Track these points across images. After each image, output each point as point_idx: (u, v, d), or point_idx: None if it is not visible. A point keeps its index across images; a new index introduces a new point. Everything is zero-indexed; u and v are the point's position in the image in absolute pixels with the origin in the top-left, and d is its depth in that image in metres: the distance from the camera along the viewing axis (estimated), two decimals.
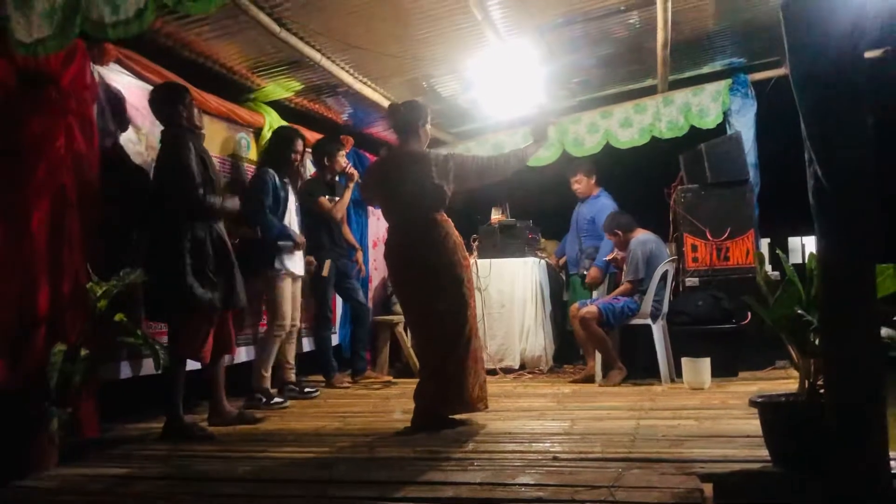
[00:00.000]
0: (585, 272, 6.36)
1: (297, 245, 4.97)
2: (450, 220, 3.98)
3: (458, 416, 3.91)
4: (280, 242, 4.87)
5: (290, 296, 4.99)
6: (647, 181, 6.67)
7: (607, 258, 5.99)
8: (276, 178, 4.94)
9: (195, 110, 4.11)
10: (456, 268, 3.88)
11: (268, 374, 4.86)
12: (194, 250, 3.86)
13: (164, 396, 3.90)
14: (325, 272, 5.48)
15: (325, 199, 5.50)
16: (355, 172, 5.76)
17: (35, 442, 3.13)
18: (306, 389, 5.13)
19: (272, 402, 4.78)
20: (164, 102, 4.03)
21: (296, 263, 5.05)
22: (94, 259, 3.66)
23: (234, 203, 4.20)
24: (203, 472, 3.06)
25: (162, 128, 4.06)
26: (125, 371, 4.08)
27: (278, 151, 5.10)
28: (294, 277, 5.06)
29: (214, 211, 3.99)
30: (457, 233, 3.98)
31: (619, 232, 5.62)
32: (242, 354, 5.08)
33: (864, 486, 2.20)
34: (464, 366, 3.82)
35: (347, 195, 5.66)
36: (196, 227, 3.90)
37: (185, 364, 3.94)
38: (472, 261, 6.19)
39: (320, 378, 5.77)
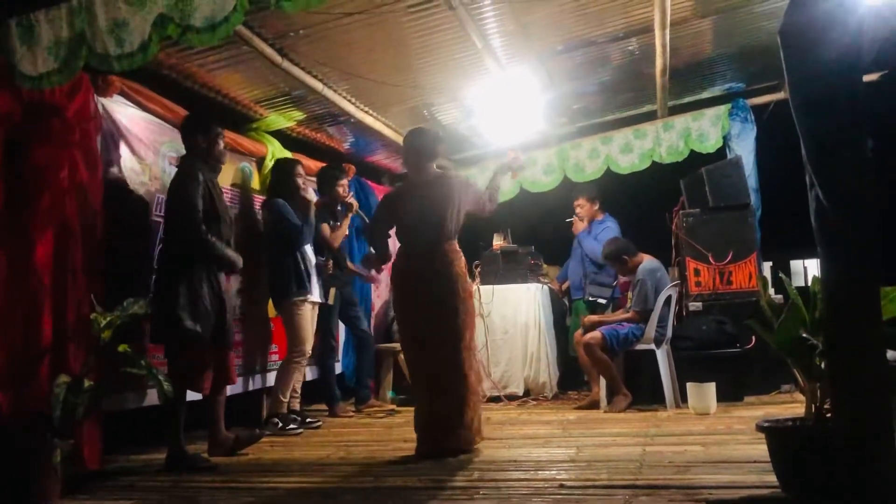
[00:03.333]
0: (591, 298, 6.36)
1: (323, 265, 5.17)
2: (459, 249, 4.02)
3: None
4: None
5: (310, 322, 5.06)
6: (648, 206, 6.68)
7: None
8: (287, 207, 5.00)
9: (220, 145, 4.16)
10: (453, 298, 3.89)
11: (286, 400, 4.94)
12: (189, 282, 3.86)
13: (167, 427, 3.88)
14: (330, 300, 5.48)
15: (326, 227, 5.51)
16: (355, 203, 5.77)
17: (38, 473, 3.10)
18: (308, 419, 5.11)
19: (287, 428, 4.84)
20: (186, 130, 4.13)
21: (315, 292, 5.12)
22: (98, 290, 3.66)
23: (236, 257, 4.14)
24: None
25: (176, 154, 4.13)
26: (129, 402, 4.07)
27: (281, 184, 5.15)
28: (314, 304, 5.11)
29: (212, 250, 3.97)
30: (463, 262, 4.00)
31: (626, 258, 5.59)
32: (251, 383, 5.14)
33: None
34: (456, 397, 3.81)
35: (345, 224, 5.67)
36: (196, 260, 3.91)
37: (186, 395, 3.92)
38: (474, 287, 6.23)
39: (323, 407, 5.74)
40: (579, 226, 6.54)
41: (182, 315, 3.82)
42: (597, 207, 6.54)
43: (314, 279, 5.12)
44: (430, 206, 3.97)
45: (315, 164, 5.93)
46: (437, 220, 3.95)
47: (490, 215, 4.27)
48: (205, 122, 4.16)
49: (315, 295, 5.11)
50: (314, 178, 5.78)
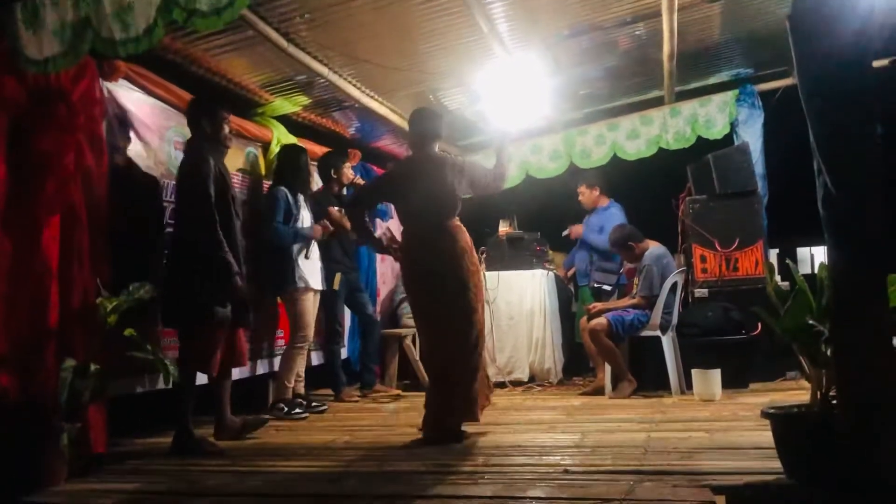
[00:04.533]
0: (596, 284, 6.36)
1: (313, 237, 5.11)
2: (462, 226, 4.03)
3: (467, 428, 3.91)
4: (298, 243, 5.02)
5: (312, 309, 5.09)
6: (654, 192, 6.67)
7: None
8: (289, 195, 5.00)
9: (225, 128, 4.14)
10: (461, 272, 3.89)
11: (290, 385, 4.98)
12: (208, 264, 3.87)
13: (174, 411, 3.90)
14: (335, 285, 5.49)
15: (334, 210, 5.51)
16: (362, 182, 5.77)
17: (44, 457, 3.12)
18: (314, 404, 5.14)
19: (293, 412, 4.88)
20: (191, 114, 4.12)
21: (315, 278, 5.13)
22: (104, 274, 3.67)
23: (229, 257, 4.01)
24: (213, 487, 3.05)
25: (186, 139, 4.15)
26: (135, 386, 4.08)
27: (288, 168, 5.16)
28: (315, 291, 5.12)
29: (218, 251, 3.89)
30: (467, 238, 4.02)
31: (633, 244, 5.59)
32: (259, 368, 5.18)
33: (878, 497, 2.18)
34: (469, 373, 3.83)
35: None
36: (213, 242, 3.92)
37: (195, 379, 3.94)
38: (481, 273, 6.23)
39: (329, 392, 5.76)
40: (578, 229, 6.57)
41: (209, 300, 3.84)
42: (598, 193, 6.52)
43: (314, 265, 5.13)
44: (433, 185, 3.98)
45: (320, 150, 5.92)
46: (441, 198, 3.97)
47: (497, 192, 4.28)
48: (210, 106, 4.15)
49: (315, 282, 5.11)
50: (315, 164, 5.78)
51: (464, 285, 3.88)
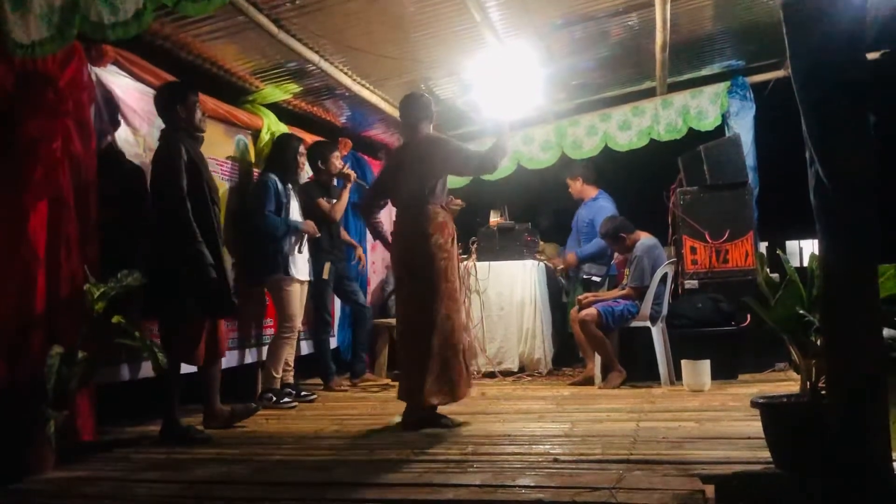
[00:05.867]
0: (586, 275, 6.37)
1: (306, 231, 5.10)
2: (441, 211, 4.00)
3: (452, 415, 3.94)
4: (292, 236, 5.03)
5: (298, 299, 5.07)
6: (646, 183, 6.67)
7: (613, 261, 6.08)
8: (279, 183, 4.98)
9: (198, 112, 4.03)
10: (422, 257, 3.89)
11: (278, 375, 4.97)
12: (186, 255, 3.82)
13: (161, 399, 3.88)
14: (325, 275, 5.47)
15: (323, 201, 5.48)
16: (352, 173, 5.74)
17: (31, 445, 3.10)
18: (303, 393, 5.13)
19: (282, 401, 4.88)
20: (165, 102, 3.99)
21: (302, 269, 5.12)
22: (92, 261, 3.64)
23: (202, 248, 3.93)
24: (201, 476, 3.03)
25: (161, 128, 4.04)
26: (123, 374, 4.06)
27: (281, 157, 5.14)
28: (301, 282, 5.12)
29: (188, 230, 3.82)
30: (441, 220, 3.97)
31: (624, 235, 5.59)
32: (248, 357, 5.18)
33: (866, 487, 2.19)
34: (434, 355, 3.82)
35: (345, 196, 5.65)
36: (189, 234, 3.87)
37: (180, 368, 3.91)
38: (471, 262, 6.23)
39: (318, 381, 5.75)
40: (570, 259, 6.56)
41: (183, 290, 3.80)
42: (581, 184, 6.52)
43: (301, 257, 5.11)
44: (410, 168, 4.01)
45: (311, 138, 5.89)
46: (416, 181, 3.98)
47: (477, 176, 4.26)
48: (181, 91, 4.03)
49: (301, 273, 5.09)
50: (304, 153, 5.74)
51: (428, 266, 3.88)
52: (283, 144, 5.21)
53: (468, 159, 4.08)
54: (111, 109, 4.08)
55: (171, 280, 3.80)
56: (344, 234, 6.00)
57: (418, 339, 3.86)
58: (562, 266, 6.66)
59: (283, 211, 4.98)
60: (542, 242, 7.11)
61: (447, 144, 4.14)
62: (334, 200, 5.59)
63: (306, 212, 5.29)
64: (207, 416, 4.14)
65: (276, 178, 5.00)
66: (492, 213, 6.85)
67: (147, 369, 4.00)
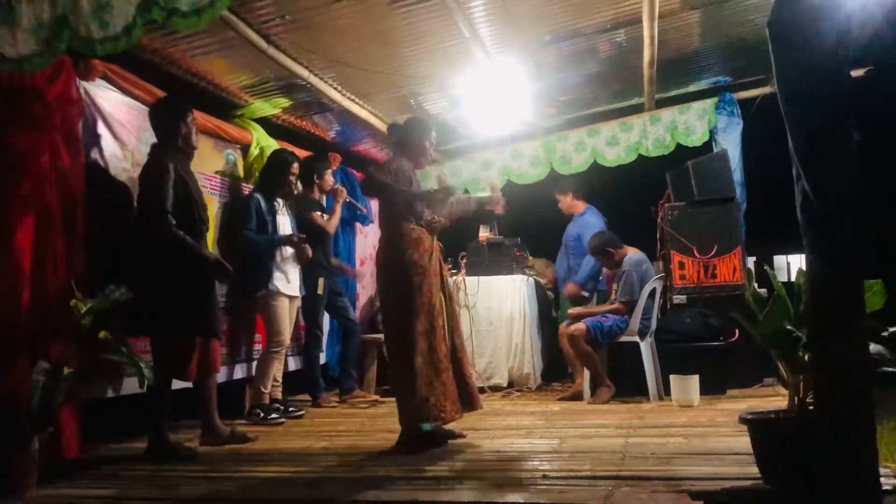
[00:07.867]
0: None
1: (293, 243, 5.05)
2: (415, 226, 3.90)
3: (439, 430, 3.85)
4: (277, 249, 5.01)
5: (287, 314, 5.05)
6: (634, 199, 6.70)
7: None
8: (262, 202, 5.00)
9: (191, 129, 4.02)
10: (400, 270, 3.83)
11: (266, 391, 4.95)
12: (172, 274, 3.80)
13: (148, 416, 3.85)
14: (319, 290, 5.46)
15: (318, 215, 5.49)
16: (343, 189, 5.76)
17: (16, 462, 3.06)
18: (291, 409, 5.09)
19: (269, 417, 4.84)
20: (159, 117, 3.98)
21: (293, 284, 5.11)
22: (79, 276, 3.61)
23: (213, 257, 4.03)
24: (188, 493, 3.00)
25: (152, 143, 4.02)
26: (109, 390, 4.02)
27: (273, 174, 5.15)
28: (291, 297, 5.10)
29: (178, 243, 3.80)
30: (416, 236, 3.88)
31: (612, 250, 5.60)
32: (238, 372, 5.16)
33: (854, 501, 2.19)
34: (414, 375, 3.67)
35: (338, 210, 5.68)
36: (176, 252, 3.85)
37: (170, 383, 3.89)
38: (460, 277, 6.23)
39: (306, 397, 5.72)
40: (572, 289, 6.34)
41: (169, 308, 3.78)
42: (570, 199, 6.51)
43: (294, 272, 5.11)
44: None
45: (301, 153, 5.88)
46: (386, 200, 3.99)
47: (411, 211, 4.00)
48: (181, 107, 4.02)
49: (289, 288, 5.08)
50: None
51: (400, 286, 3.82)
52: (278, 162, 5.21)
53: (396, 193, 3.93)
54: (99, 124, 4.06)
55: (154, 296, 3.77)
56: (335, 261, 5.97)
57: (401, 360, 3.78)
58: (549, 285, 6.65)
59: (268, 227, 4.97)
60: (531, 257, 7.13)
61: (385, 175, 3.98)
62: (325, 216, 5.61)
63: (301, 226, 5.29)
64: (206, 431, 4.10)
65: (260, 198, 5.01)
66: (481, 229, 6.86)
67: (133, 385, 3.97)
